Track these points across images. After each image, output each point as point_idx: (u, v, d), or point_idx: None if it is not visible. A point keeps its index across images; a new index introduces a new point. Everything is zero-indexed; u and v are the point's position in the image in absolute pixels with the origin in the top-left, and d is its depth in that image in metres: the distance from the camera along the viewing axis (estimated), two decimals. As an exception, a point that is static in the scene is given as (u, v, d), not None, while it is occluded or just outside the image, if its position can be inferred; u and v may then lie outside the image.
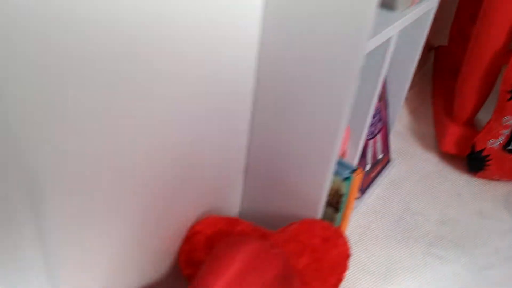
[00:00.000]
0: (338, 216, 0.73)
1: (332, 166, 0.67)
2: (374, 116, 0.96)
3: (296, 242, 0.69)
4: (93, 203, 0.49)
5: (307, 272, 0.69)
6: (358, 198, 1.01)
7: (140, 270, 0.64)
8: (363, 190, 1.02)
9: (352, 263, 0.89)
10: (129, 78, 0.46)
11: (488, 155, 1.08)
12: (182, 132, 0.58)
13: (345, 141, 0.79)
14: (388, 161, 1.12)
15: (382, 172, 1.09)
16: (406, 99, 1.42)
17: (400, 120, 1.32)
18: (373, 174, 1.05)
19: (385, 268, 0.88)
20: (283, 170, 0.73)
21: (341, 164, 0.71)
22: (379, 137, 1.02)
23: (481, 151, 1.08)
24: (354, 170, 0.70)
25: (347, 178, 0.69)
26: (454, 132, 1.14)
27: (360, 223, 0.98)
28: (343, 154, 0.84)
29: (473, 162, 1.10)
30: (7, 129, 0.37)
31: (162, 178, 0.59)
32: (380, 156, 1.06)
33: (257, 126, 0.72)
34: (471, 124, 1.16)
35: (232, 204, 0.79)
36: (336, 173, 0.70)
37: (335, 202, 0.72)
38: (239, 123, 0.70)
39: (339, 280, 0.71)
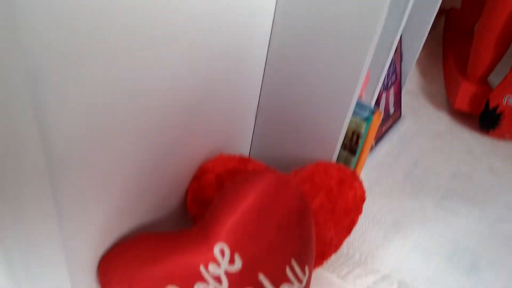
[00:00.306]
0: (354, 159, 0.71)
1: (352, 106, 0.65)
2: (389, 67, 0.93)
3: (310, 183, 0.67)
4: (100, 134, 0.47)
5: (321, 214, 0.68)
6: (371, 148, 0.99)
7: (145, 207, 0.62)
8: (373, 144, 1.00)
9: (362, 213, 0.88)
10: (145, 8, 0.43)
11: (501, 113, 1.05)
12: (195, 70, 0.55)
13: (365, 83, 0.76)
14: (399, 117, 1.10)
15: (393, 128, 1.07)
16: (417, 60, 1.39)
17: (411, 79, 1.30)
18: (384, 128, 1.03)
19: (395, 219, 0.87)
20: (298, 111, 0.70)
21: (359, 105, 0.68)
22: (392, 91, 1.00)
23: (495, 108, 1.06)
24: (373, 112, 0.68)
25: (367, 118, 0.67)
26: (467, 89, 1.12)
27: (369, 176, 0.96)
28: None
29: (485, 120, 1.08)
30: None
31: (173, 115, 0.56)
32: (392, 110, 1.04)
33: (272, 64, 0.69)
34: (484, 83, 1.14)
35: (243, 146, 0.77)
36: (354, 114, 0.68)
37: (352, 145, 0.70)
38: (254, 61, 0.67)
39: (353, 223, 0.70)
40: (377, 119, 0.68)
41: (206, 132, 0.66)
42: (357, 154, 0.71)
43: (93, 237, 0.55)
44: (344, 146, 0.72)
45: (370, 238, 0.83)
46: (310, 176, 0.68)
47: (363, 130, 0.67)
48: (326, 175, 0.67)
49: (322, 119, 0.68)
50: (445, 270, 0.79)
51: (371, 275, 0.76)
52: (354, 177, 0.68)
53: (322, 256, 0.71)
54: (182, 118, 0.58)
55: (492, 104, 1.06)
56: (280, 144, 0.75)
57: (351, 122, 0.69)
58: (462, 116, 1.17)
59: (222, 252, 0.54)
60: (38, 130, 0.39)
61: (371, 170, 0.98)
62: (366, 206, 0.89)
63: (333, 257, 0.78)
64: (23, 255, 0.45)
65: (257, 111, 0.76)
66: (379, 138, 1.02)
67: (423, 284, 0.76)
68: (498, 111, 1.05)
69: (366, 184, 0.94)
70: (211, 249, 0.55)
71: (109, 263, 0.57)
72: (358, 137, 0.68)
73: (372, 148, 0.98)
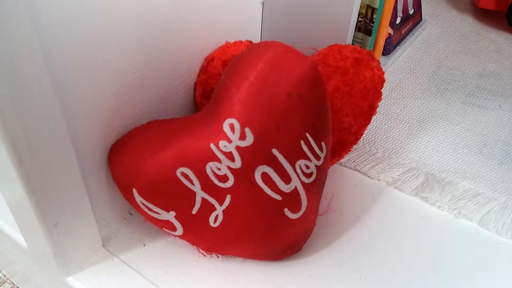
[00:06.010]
0: (370, 40, 0.66)
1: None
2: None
3: (324, 65, 0.63)
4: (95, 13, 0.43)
5: (337, 98, 0.64)
6: (387, 54, 0.93)
7: (153, 100, 0.60)
8: (393, 47, 0.94)
9: (383, 113, 0.84)
10: None
11: (531, 7, 0.98)
12: None
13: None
14: (419, 20, 1.03)
15: (413, 31, 1.01)
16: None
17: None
18: (404, 30, 0.97)
19: (419, 117, 0.82)
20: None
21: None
22: (410, -10, 0.94)
23: (524, 1, 0.98)
24: (387, -17, 0.63)
25: (380, -12, 0.62)
26: (492, -14, 1.04)
27: (389, 80, 0.91)
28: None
29: (514, 16, 1.01)
30: None
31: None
32: (411, 12, 0.97)
33: None
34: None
35: (252, 37, 0.73)
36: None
37: (367, 24, 0.65)
38: None
39: (373, 108, 0.66)
40: (392, -8, 0.63)
41: (210, 22, 0.62)
42: (374, 33, 0.66)
43: (101, 126, 0.53)
44: (358, 28, 0.67)
45: (394, 136, 0.79)
46: (323, 58, 0.63)
47: (377, 2, 0.62)
48: (341, 55, 0.63)
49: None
50: (475, 161, 0.74)
51: (396, 169, 0.73)
52: (371, 57, 0.63)
53: (341, 145, 0.67)
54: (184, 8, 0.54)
55: (520, -3, 0.98)
56: (290, 34, 0.71)
57: (364, -3, 0.64)
58: (488, 15, 1.09)
59: (232, 127, 0.51)
60: None
61: (392, 74, 0.93)
62: (388, 107, 0.85)
63: (354, 154, 0.75)
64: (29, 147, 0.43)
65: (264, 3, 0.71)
66: (398, 41, 0.96)
67: (452, 175, 0.72)
68: (527, 4, 0.98)
69: (387, 87, 0.89)
70: (221, 126, 0.52)
71: (119, 150, 0.55)
72: (373, 12, 0.63)
73: (387, 55, 0.92)
